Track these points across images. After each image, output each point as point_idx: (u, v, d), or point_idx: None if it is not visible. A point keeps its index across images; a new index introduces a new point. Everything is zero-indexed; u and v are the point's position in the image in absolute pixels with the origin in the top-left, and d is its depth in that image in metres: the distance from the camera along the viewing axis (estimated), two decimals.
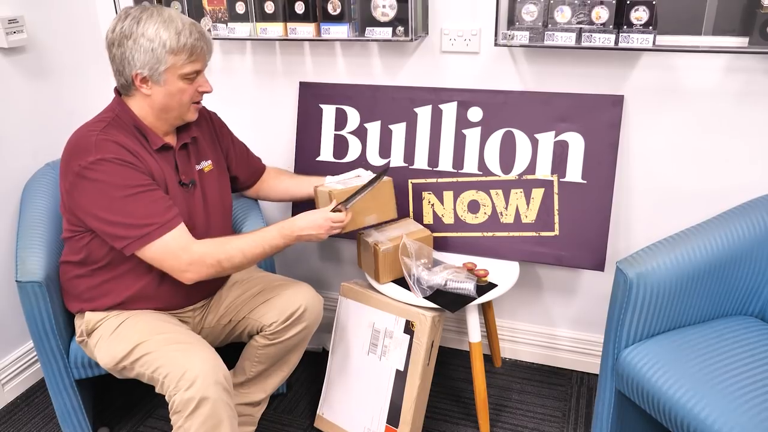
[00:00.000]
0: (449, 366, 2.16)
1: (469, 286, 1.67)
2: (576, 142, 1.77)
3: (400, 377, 1.69)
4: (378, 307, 1.74)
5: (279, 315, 1.59)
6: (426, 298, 1.66)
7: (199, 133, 1.61)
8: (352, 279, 1.87)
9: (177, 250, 1.39)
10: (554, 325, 2.12)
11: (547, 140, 1.80)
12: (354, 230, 1.69)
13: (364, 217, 1.68)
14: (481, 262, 1.84)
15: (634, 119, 1.78)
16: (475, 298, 1.66)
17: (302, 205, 1.88)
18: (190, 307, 1.61)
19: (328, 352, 1.88)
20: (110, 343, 1.46)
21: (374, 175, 1.70)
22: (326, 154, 2.00)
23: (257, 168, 1.84)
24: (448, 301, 1.66)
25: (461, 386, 2.06)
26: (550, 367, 2.15)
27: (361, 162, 1.96)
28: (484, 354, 2.15)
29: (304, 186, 1.81)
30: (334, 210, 1.57)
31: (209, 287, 1.63)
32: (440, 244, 1.92)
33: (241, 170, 1.79)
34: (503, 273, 1.79)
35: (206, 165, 1.61)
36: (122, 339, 1.45)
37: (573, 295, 2.05)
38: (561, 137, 1.79)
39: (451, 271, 1.71)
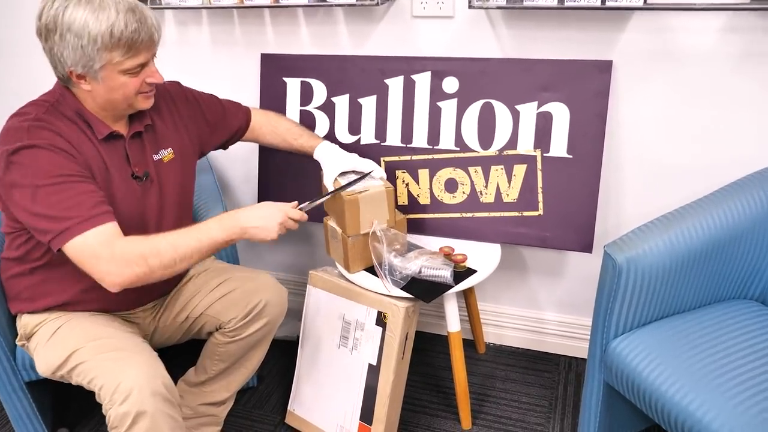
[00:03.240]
0: (429, 353, 2.04)
1: (445, 273, 1.54)
2: (560, 114, 1.62)
3: (373, 372, 1.57)
4: (348, 298, 1.61)
5: (238, 311, 1.46)
6: (400, 288, 1.53)
7: (157, 119, 1.44)
8: (323, 266, 1.74)
9: (97, 247, 1.18)
10: (540, 309, 2.00)
11: (529, 112, 1.65)
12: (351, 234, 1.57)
13: (360, 223, 1.55)
14: (460, 245, 1.71)
15: (624, 87, 1.63)
16: (451, 286, 1.54)
17: (271, 185, 1.74)
18: (139, 308, 1.48)
19: None
20: (47, 351, 1.33)
21: (381, 182, 1.56)
22: None
23: (240, 122, 1.65)
24: (422, 289, 1.53)
25: (442, 375, 1.95)
26: (537, 351, 2.04)
27: (329, 139, 1.81)
28: (466, 339, 2.04)
29: (299, 139, 1.66)
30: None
31: (160, 288, 1.49)
32: (416, 227, 1.78)
33: (222, 134, 1.62)
34: (483, 257, 1.66)
35: (165, 154, 1.44)
36: (58, 346, 1.31)
37: (559, 277, 1.92)
38: (544, 108, 1.64)
39: (426, 257, 1.58)
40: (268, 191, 1.91)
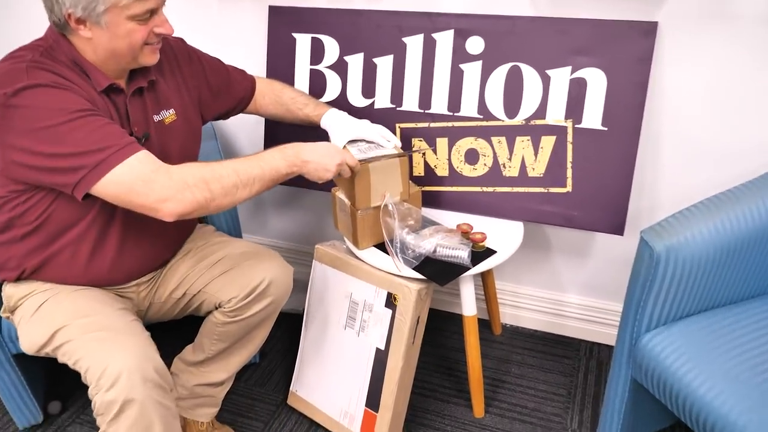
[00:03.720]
0: (441, 333, 1.93)
1: (462, 254, 1.41)
2: (596, 81, 1.46)
3: (381, 356, 1.47)
4: (356, 276, 1.50)
5: (239, 290, 1.35)
6: (412, 268, 1.41)
7: (159, 76, 1.32)
8: (331, 237, 1.62)
9: (147, 172, 1.09)
10: (562, 290, 1.87)
11: (561, 78, 1.49)
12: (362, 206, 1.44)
13: (371, 196, 1.42)
14: (479, 222, 1.57)
15: (669, 53, 1.46)
16: (468, 268, 1.41)
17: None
18: (133, 282, 1.37)
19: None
20: (30, 326, 1.23)
21: (395, 151, 1.44)
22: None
23: (244, 91, 1.52)
24: (437, 270, 1.41)
25: (454, 356, 1.84)
26: (556, 335, 1.92)
27: (341, 102, 1.66)
28: (481, 320, 1.92)
29: (304, 108, 1.53)
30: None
31: (157, 257, 1.38)
32: (432, 200, 1.65)
33: (224, 103, 1.50)
34: (504, 236, 1.53)
35: (168, 115, 1.32)
36: (42, 322, 1.21)
37: (585, 258, 1.79)
38: (578, 74, 1.47)
39: (442, 235, 1.45)
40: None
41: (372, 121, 1.51)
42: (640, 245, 1.24)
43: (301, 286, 1.65)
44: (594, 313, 1.85)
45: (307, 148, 1.26)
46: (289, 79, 1.71)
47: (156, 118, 1.31)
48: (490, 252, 1.47)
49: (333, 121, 1.48)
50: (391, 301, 1.44)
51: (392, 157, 1.40)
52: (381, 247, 1.49)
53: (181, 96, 1.37)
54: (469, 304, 1.52)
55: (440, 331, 1.94)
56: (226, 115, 1.54)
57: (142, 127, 1.27)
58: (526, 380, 1.75)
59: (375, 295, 1.46)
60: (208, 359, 1.45)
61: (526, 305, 1.92)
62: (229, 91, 1.49)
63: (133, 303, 1.39)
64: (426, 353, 1.82)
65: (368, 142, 1.46)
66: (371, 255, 1.47)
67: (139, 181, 1.08)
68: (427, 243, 1.42)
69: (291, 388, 1.67)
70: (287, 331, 1.93)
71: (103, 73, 1.19)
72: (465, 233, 1.49)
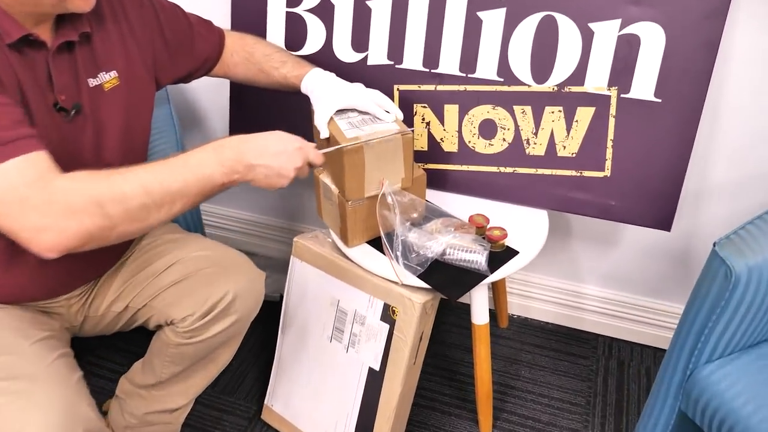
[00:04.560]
0: (442, 326, 1.68)
1: (479, 259, 1.13)
2: (652, 39, 1.15)
3: (375, 378, 1.21)
4: (345, 280, 1.21)
5: (195, 306, 1.05)
6: (417, 276, 1.12)
7: (98, 28, 0.98)
8: (316, 215, 1.31)
9: (22, 187, 0.76)
10: (580, 281, 1.62)
11: (607, 33, 1.17)
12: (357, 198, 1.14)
13: (365, 184, 1.12)
14: (495, 211, 1.29)
15: (748, 7, 1.15)
16: (485, 276, 1.13)
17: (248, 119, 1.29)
18: (63, 296, 1.07)
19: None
20: None
21: (395, 125, 1.11)
22: (275, 41, 1.36)
23: (210, 49, 1.19)
24: (447, 279, 1.13)
25: (457, 356, 1.59)
26: (570, 329, 1.68)
27: (325, 56, 1.33)
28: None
29: (281, 68, 1.19)
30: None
31: (90, 267, 1.08)
32: (437, 181, 1.35)
33: (185, 63, 1.16)
34: (525, 229, 1.25)
35: (107, 79, 0.99)
36: None
37: (610, 247, 1.53)
38: (629, 29, 1.16)
39: (452, 232, 1.16)
40: (244, 130, 1.44)
41: (364, 83, 1.19)
42: (712, 261, 0.97)
43: (281, 266, 1.37)
44: (615, 307, 1.61)
45: (253, 146, 0.91)
46: (259, 26, 1.35)
47: (91, 82, 0.97)
48: (510, 252, 1.19)
49: (317, 84, 1.16)
50: (388, 314, 1.16)
51: (392, 135, 1.09)
52: (375, 243, 1.20)
53: (126, 53, 1.03)
54: (480, 313, 1.25)
55: (440, 324, 1.68)
56: (187, 79, 1.20)
57: (71, 95, 0.95)
58: (538, 386, 1.52)
59: (368, 305, 1.18)
60: (161, 383, 1.17)
61: (537, 295, 1.67)
62: (191, 48, 1.15)
63: (62, 319, 1.09)
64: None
65: (361, 112, 1.14)
66: (364, 255, 1.18)
67: (10, 194, 0.76)
68: (435, 244, 1.14)
69: (266, 402, 1.41)
70: (264, 322, 1.62)
71: (14, 20, 0.85)
72: (480, 228, 1.21)
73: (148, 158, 1.22)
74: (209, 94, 1.61)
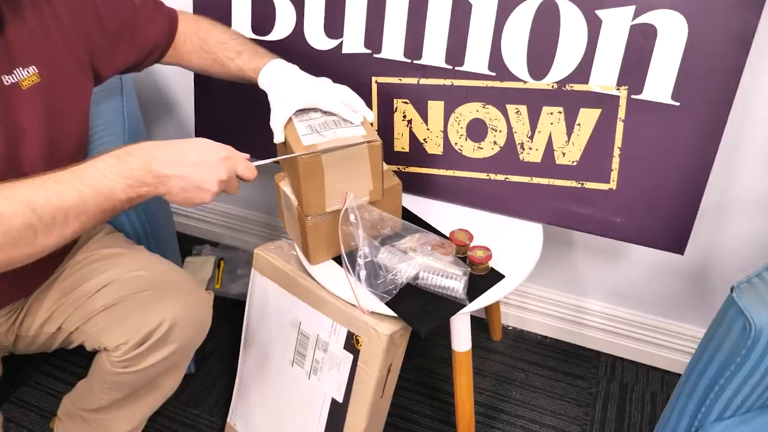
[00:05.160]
0: (427, 339, 1.54)
1: (455, 285, 0.98)
2: (671, 30, 0.97)
3: (338, 410, 1.08)
4: (306, 301, 1.07)
5: (128, 334, 0.93)
6: (385, 303, 0.98)
7: (12, 16, 0.84)
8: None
9: None
10: (582, 295, 1.46)
11: (617, 22, 0.99)
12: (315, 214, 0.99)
13: (326, 198, 0.96)
14: (483, 222, 1.14)
15: None
16: (463, 305, 0.99)
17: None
18: None
19: None
20: None
21: (363, 129, 0.96)
22: (240, 24, 1.20)
23: (159, 34, 1.03)
24: (418, 308, 0.98)
25: (443, 372, 1.46)
26: (570, 345, 1.53)
27: (295, 42, 1.17)
28: (478, 319, 1.53)
29: (237, 59, 1.04)
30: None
31: (20, 284, 0.96)
32: (420, 186, 1.20)
33: (128, 51, 1.01)
34: (515, 245, 1.10)
35: (24, 76, 0.85)
36: None
37: (617, 260, 1.36)
38: (644, 18, 0.98)
39: (427, 252, 1.01)
40: (209, 126, 1.30)
41: (339, 73, 1.03)
42: (728, 308, 0.81)
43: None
44: (620, 324, 1.45)
45: (166, 153, 0.77)
46: (223, 6, 1.19)
47: (6, 80, 0.83)
48: (494, 276, 1.04)
49: (275, 79, 1.00)
50: (352, 343, 1.03)
51: (356, 144, 0.93)
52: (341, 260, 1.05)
53: (50, 44, 0.88)
54: (461, 338, 1.11)
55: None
56: (134, 68, 1.05)
57: None
58: (529, 410, 1.38)
59: (331, 331, 1.05)
60: (102, 408, 1.06)
61: (535, 307, 1.52)
62: (135, 34, 1.00)
63: None
64: (404, 367, 1.44)
65: (325, 113, 0.98)
66: (328, 274, 1.04)
67: None
68: (407, 267, 0.99)
69: (228, 420, 1.29)
70: (234, 323, 1.53)
71: None
72: (461, 246, 1.06)
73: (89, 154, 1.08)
74: (172, 80, 1.46)
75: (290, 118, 0.97)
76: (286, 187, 1.04)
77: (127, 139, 1.11)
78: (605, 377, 1.45)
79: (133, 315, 0.93)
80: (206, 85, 1.27)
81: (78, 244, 1.04)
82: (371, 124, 0.99)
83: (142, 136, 1.24)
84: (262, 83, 1.01)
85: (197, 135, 1.29)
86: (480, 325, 1.54)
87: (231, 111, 1.27)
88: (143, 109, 1.58)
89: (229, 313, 1.56)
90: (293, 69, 1.01)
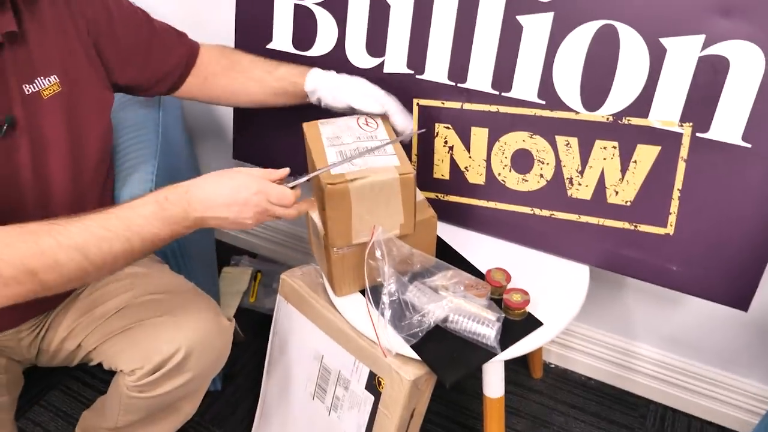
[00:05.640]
0: None
1: (487, 332, 0.91)
2: (745, 63, 0.87)
3: None
4: (329, 334, 1.02)
5: (143, 360, 0.90)
6: (411, 345, 0.92)
7: (32, 23, 0.83)
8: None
9: None
10: (632, 338, 1.35)
11: (684, 52, 0.90)
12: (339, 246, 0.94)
13: (353, 230, 0.91)
14: (524, 259, 1.06)
15: None
16: (494, 354, 0.91)
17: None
18: (10, 330, 0.95)
19: None
20: None
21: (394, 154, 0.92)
22: (282, 39, 1.16)
23: (176, 60, 1.01)
24: (445, 353, 0.91)
25: (473, 408, 1.38)
26: (617, 390, 1.42)
27: (336, 59, 1.12)
28: (518, 358, 1.44)
29: (275, 71, 1.04)
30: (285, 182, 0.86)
31: (43, 300, 0.95)
32: (459, 216, 1.13)
33: (141, 72, 0.99)
34: (558, 288, 1.02)
35: (46, 85, 0.85)
36: None
37: (673, 304, 1.25)
38: (715, 49, 0.88)
39: (460, 292, 0.94)
40: (247, 146, 1.27)
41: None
42: None
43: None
44: (674, 373, 1.34)
45: (201, 196, 0.79)
46: (266, 17, 1.16)
47: (27, 89, 0.83)
48: (532, 322, 0.96)
49: (325, 79, 1.02)
50: (374, 384, 0.97)
51: (387, 176, 0.87)
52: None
53: (70, 52, 0.88)
54: (493, 383, 1.03)
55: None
56: (140, 91, 1.03)
57: (2, 106, 0.80)
58: None
59: (353, 369, 0.99)
60: (118, 428, 1.04)
61: (580, 346, 1.42)
62: (148, 57, 0.98)
63: (13, 352, 0.98)
64: (433, 401, 1.37)
65: (358, 138, 0.93)
66: (353, 308, 0.99)
67: None
68: (436, 308, 0.92)
69: None
70: (265, 340, 1.48)
71: None
72: (498, 287, 0.98)
73: (123, 179, 1.07)
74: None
75: (321, 141, 0.93)
76: (314, 213, 0.99)
77: (159, 157, 1.08)
78: (653, 428, 1.34)
79: (148, 340, 0.91)
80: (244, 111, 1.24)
81: None
82: (411, 141, 0.94)
83: (180, 153, 1.23)
84: (313, 84, 0.99)
85: (234, 155, 1.27)
86: (519, 360, 1.45)
87: (268, 133, 1.23)
88: (190, 126, 1.58)
89: (260, 329, 1.53)
90: (333, 73, 1.02)
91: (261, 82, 1.03)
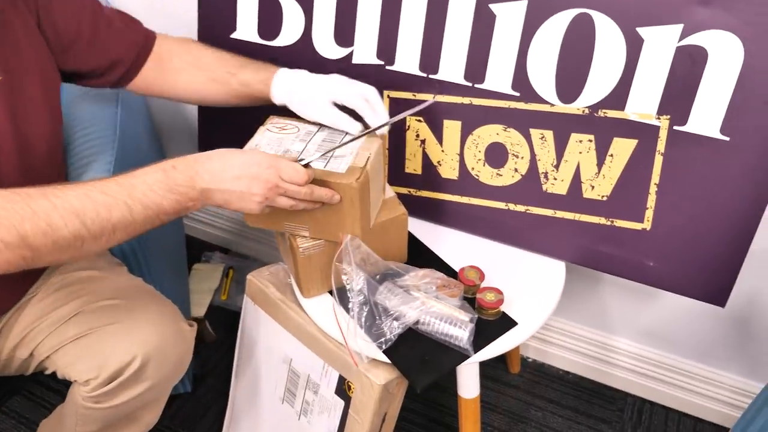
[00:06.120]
0: None
1: (460, 334, 0.88)
2: (724, 54, 0.84)
3: None
4: (298, 337, 0.99)
5: (97, 370, 0.85)
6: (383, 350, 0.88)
7: None
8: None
9: None
10: (610, 332, 1.34)
11: (661, 42, 0.86)
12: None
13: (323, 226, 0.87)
14: (498, 256, 1.03)
15: None
16: (466, 356, 0.88)
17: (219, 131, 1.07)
18: None
19: None
20: None
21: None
22: (246, 28, 1.11)
23: (125, 49, 0.94)
24: (416, 356, 0.88)
25: (450, 405, 1.35)
26: (595, 383, 1.40)
27: (303, 50, 1.07)
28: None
29: (239, 72, 0.96)
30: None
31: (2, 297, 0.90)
32: (432, 212, 1.09)
33: (83, 59, 0.92)
34: (533, 286, 0.99)
35: None
36: None
37: (650, 298, 1.23)
38: (693, 39, 0.85)
39: (432, 292, 0.91)
40: (212, 139, 1.21)
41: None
42: None
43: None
44: (651, 366, 1.32)
45: (208, 168, 0.75)
46: (229, 9, 1.10)
47: None
48: (506, 322, 0.93)
49: (293, 85, 0.92)
50: (343, 389, 0.93)
51: (345, 180, 0.83)
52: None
53: (12, 41, 0.82)
54: (468, 385, 1.01)
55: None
56: (94, 79, 0.96)
57: None
58: None
59: (322, 373, 0.96)
60: None
61: (558, 341, 1.40)
62: (93, 42, 0.91)
63: None
64: (409, 398, 1.34)
65: (321, 143, 0.88)
66: (322, 310, 0.95)
67: None
68: (407, 309, 0.89)
69: None
70: (235, 338, 1.45)
71: None
72: (471, 287, 0.95)
73: (77, 172, 1.01)
74: None
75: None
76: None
77: (116, 153, 1.03)
78: (631, 421, 1.33)
79: (102, 349, 0.86)
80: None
81: None
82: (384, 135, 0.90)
83: (144, 150, 1.17)
84: (277, 94, 0.92)
85: (201, 139, 1.22)
86: (498, 357, 1.43)
87: (235, 130, 1.18)
88: (158, 124, 1.51)
89: (232, 328, 1.48)
90: (304, 73, 0.93)
91: (223, 83, 0.97)
